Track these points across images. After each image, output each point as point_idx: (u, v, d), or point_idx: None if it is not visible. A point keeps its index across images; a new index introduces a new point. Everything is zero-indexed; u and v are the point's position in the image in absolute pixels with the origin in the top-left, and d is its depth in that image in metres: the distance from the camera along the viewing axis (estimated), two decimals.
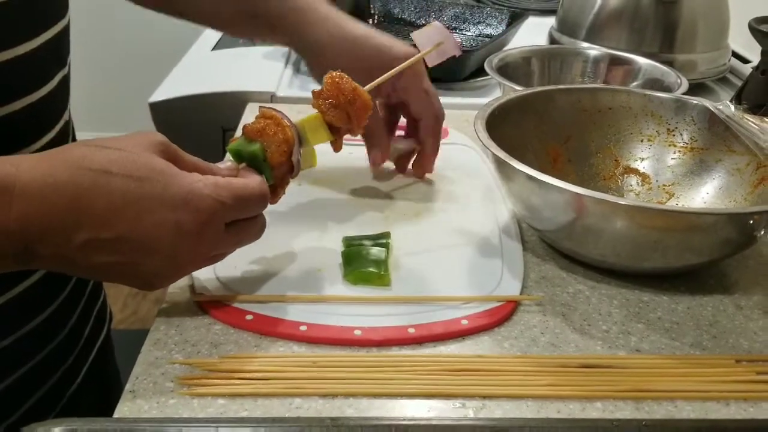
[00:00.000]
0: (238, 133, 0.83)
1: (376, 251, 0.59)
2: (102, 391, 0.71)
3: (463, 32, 1.18)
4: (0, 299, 0.52)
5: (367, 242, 0.60)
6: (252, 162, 0.52)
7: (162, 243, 0.44)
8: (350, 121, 0.58)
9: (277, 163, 0.53)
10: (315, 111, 0.58)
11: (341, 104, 0.57)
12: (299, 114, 0.57)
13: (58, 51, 0.56)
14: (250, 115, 0.89)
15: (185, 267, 0.48)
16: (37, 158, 0.43)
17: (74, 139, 0.61)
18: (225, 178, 0.48)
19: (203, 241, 0.46)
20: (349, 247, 0.60)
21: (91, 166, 0.43)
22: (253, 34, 0.77)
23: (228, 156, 0.54)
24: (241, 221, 0.49)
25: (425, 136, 0.70)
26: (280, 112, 0.55)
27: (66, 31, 0.57)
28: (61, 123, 0.57)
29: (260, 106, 0.56)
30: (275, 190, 0.54)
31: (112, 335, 0.74)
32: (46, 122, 0.55)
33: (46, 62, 0.54)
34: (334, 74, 0.58)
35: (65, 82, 0.58)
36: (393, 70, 0.62)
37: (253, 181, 0.49)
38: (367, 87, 0.59)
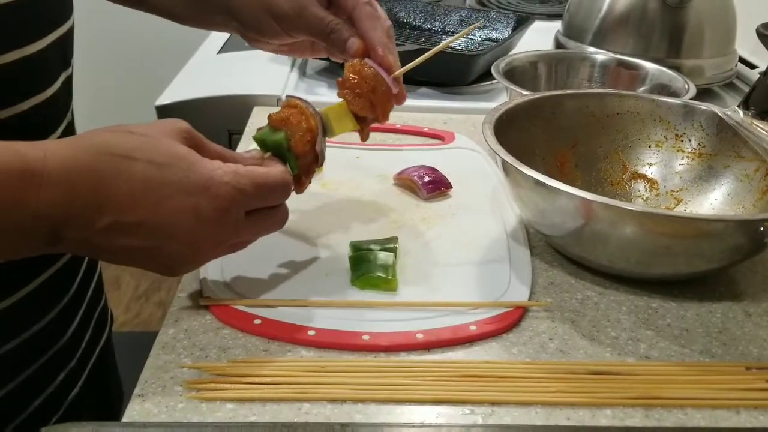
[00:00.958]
0: (246, 136, 0.84)
1: (384, 256, 0.59)
2: (103, 394, 0.71)
3: (469, 36, 1.18)
4: (4, 303, 0.52)
5: (374, 247, 0.60)
6: (276, 151, 0.52)
7: (181, 228, 0.45)
8: (374, 110, 0.57)
9: (301, 152, 0.52)
10: (340, 100, 0.57)
11: (364, 92, 0.56)
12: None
13: (63, 52, 0.56)
14: (256, 118, 0.89)
15: (206, 253, 0.48)
16: (64, 144, 0.44)
17: None
18: (246, 166, 0.48)
19: (223, 228, 0.46)
20: (356, 252, 0.60)
21: (114, 151, 0.43)
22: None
23: (254, 145, 0.54)
24: (262, 210, 0.49)
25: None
26: (305, 101, 0.54)
27: (71, 32, 0.57)
28: (65, 124, 0.57)
29: (286, 96, 0.55)
30: (300, 180, 0.54)
31: (114, 338, 0.74)
32: (51, 123, 0.55)
33: (52, 63, 0.54)
34: (354, 62, 0.57)
35: (69, 83, 0.58)
36: (418, 59, 0.60)
37: (275, 169, 0.49)
38: (396, 74, 0.57)
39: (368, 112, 0.57)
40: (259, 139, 0.53)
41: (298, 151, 0.52)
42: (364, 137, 0.59)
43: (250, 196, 0.47)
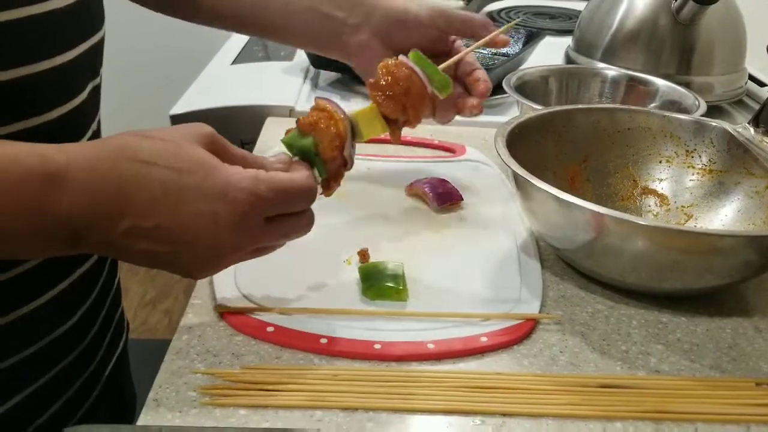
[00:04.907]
0: (259, 147, 0.84)
1: (393, 266, 0.59)
2: (118, 401, 0.71)
3: (480, 51, 1.19)
4: (28, 307, 0.53)
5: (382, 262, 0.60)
6: (304, 156, 0.51)
7: (200, 234, 0.45)
8: (406, 112, 0.56)
9: (330, 157, 0.51)
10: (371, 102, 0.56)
11: (396, 94, 0.55)
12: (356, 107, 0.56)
13: (92, 62, 0.57)
14: (269, 129, 0.90)
15: (226, 258, 0.48)
16: (86, 148, 0.45)
17: None
18: (268, 172, 0.47)
19: (243, 233, 0.46)
20: (366, 263, 0.60)
21: (134, 156, 0.44)
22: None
23: (283, 148, 0.53)
24: (284, 216, 0.48)
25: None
26: (334, 103, 0.53)
27: (101, 43, 0.58)
28: (90, 133, 0.58)
29: (316, 98, 0.54)
30: (329, 184, 0.53)
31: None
32: (78, 131, 0.56)
33: (81, 73, 0.55)
34: (388, 62, 0.56)
35: (96, 92, 0.59)
36: (462, 53, 0.63)
37: (298, 175, 0.48)
38: (445, 64, 0.59)
39: (399, 114, 0.55)
40: (287, 143, 0.52)
41: (326, 156, 0.51)
42: (396, 140, 0.58)
43: (269, 201, 0.46)
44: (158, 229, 0.44)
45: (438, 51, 0.66)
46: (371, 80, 0.56)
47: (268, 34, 0.73)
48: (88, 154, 0.44)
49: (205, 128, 0.48)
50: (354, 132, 0.54)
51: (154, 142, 0.45)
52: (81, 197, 0.43)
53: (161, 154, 0.44)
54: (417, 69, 0.56)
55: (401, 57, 0.56)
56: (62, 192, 0.42)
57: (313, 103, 0.54)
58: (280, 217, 0.48)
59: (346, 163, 0.53)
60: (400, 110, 0.55)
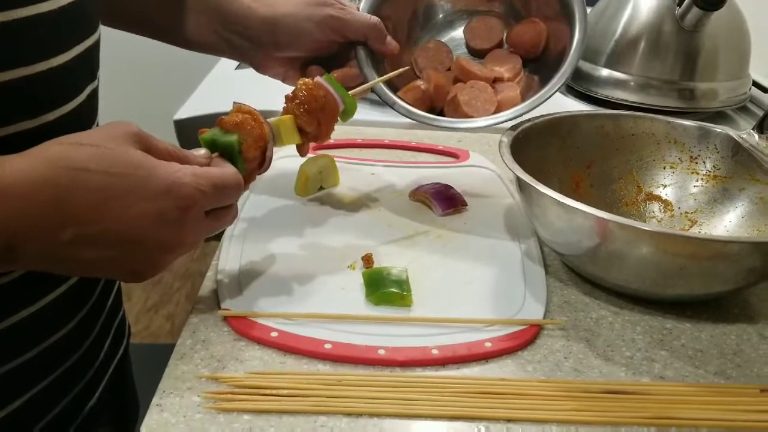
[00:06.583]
0: None
1: (397, 272, 0.59)
2: (120, 406, 0.71)
3: None
4: (26, 311, 0.53)
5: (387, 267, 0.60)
6: (226, 153, 0.53)
7: (147, 233, 0.45)
8: (319, 127, 0.61)
9: (251, 156, 0.54)
10: (286, 113, 0.61)
11: (313, 109, 0.60)
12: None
13: (89, 64, 0.57)
14: None
15: (171, 254, 0.49)
16: (18, 158, 0.44)
17: None
18: (202, 167, 0.49)
19: (185, 228, 0.47)
20: (370, 269, 0.60)
21: (68, 164, 0.43)
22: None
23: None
24: (217, 209, 0.50)
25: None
26: (255, 109, 0.56)
27: (97, 45, 0.58)
28: None
29: (234, 102, 0.57)
30: (244, 183, 0.55)
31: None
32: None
33: (78, 75, 0.55)
34: (307, 80, 0.61)
35: (94, 95, 0.59)
36: (386, 76, 0.67)
37: (229, 171, 0.50)
38: (356, 90, 0.64)
39: (313, 128, 0.60)
40: (207, 140, 0.54)
41: (248, 155, 0.54)
42: (304, 153, 0.63)
43: (209, 196, 0.48)
44: (105, 234, 0.44)
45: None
46: (288, 93, 0.61)
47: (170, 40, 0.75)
48: (22, 164, 0.43)
49: (132, 127, 0.48)
50: (273, 138, 0.58)
51: (86, 149, 0.44)
52: (17, 208, 0.42)
53: (96, 161, 0.44)
54: (332, 90, 0.61)
55: (317, 78, 0.62)
56: None
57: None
58: (215, 211, 0.50)
59: (263, 164, 0.56)
60: (315, 124, 0.61)
